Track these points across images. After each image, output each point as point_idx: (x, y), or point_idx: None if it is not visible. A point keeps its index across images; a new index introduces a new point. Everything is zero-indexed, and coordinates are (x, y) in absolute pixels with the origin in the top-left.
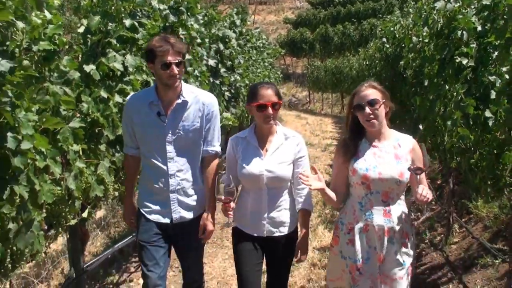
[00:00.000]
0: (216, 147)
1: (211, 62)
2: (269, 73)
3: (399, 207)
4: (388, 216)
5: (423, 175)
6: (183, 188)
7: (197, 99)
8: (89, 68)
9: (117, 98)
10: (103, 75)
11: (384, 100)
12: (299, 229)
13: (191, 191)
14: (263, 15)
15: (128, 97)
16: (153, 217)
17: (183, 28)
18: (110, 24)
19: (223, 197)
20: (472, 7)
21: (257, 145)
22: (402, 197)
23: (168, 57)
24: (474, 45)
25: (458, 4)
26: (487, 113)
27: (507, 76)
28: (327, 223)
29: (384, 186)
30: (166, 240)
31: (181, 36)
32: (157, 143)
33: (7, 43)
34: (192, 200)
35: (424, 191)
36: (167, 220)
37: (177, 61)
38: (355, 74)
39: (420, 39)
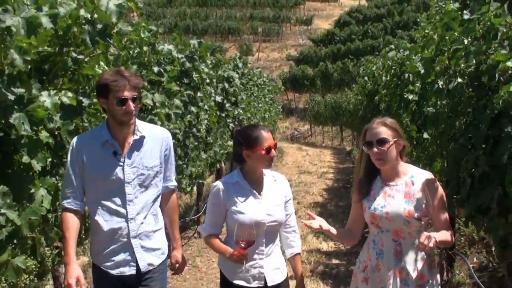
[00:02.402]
0: (174, 181)
1: (218, 99)
2: (270, 108)
3: (414, 247)
4: (399, 256)
5: (444, 217)
6: (145, 231)
7: (153, 135)
8: None
9: None
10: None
11: (395, 139)
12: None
13: (153, 234)
14: (267, 52)
15: (75, 138)
16: (116, 272)
17: (196, 72)
18: (143, 71)
19: (242, 242)
20: (419, 55)
21: (251, 189)
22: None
23: (124, 93)
24: (418, 84)
25: (407, 53)
26: (425, 135)
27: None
28: (315, 233)
29: (393, 226)
30: None
31: (194, 78)
32: (114, 185)
33: (86, 87)
34: (155, 243)
35: (427, 240)
36: (132, 271)
37: (133, 96)
38: (352, 108)
39: (388, 78)
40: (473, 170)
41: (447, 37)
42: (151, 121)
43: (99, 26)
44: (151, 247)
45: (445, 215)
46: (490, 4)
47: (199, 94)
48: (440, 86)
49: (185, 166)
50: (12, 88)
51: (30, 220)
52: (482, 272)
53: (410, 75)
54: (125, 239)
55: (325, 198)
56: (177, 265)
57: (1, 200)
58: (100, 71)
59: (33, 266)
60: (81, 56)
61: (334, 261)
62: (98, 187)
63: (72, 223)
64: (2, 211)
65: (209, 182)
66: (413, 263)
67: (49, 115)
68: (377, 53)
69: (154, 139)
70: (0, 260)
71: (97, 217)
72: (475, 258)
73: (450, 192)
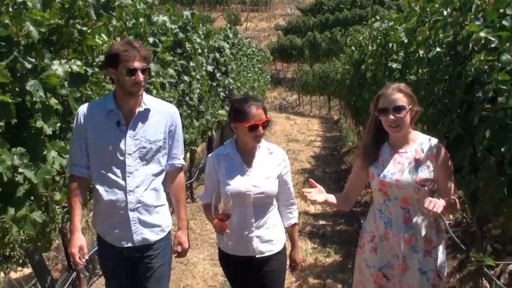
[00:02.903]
0: (181, 160)
1: (209, 68)
2: (259, 77)
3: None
4: (408, 223)
5: (450, 184)
6: (144, 205)
7: (159, 109)
8: None
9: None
10: None
11: (410, 106)
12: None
13: (153, 209)
14: (255, 22)
15: (81, 107)
16: (114, 242)
17: (188, 42)
18: (139, 41)
19: (219, 212)
20: (402, 26)
21: (241, 161)
22: None
23: (134, 63)
24: (402, 54)
25: (391, 23)
26: None
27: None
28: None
29: (402, 193)
30: (131, 268)
31: (187, 48)
32: (115, 155)
33: (89, 57)
34: (155, 219)
35: (431, 204)
36: (129, 244)
37: (143, 67)
38: (339, 78)
39: (374, 48)
40: (448, 133)
41: (427, 9)
42: (147, 90)
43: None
44: (150, 222)
45: (451, 182)
46: None
47: (191, 63)
48: (421, 55)
49: None
50: (28, 57)
51: (45, 179)
52: (457, 228)
53: (394, 44)
54: (123, 211)
55: (312, 165)
56: (180, 246)
57: (19, 160)
58: (101, 42)
59: (47, 220)
60: (84, 28)
61: (321, 222)
62: (100, 156)
63: (78, 189)
64: (20, 170)
65: (199, 151)
66: (422, 228)
67: (61, 82)
68: (365, 22)
69: (160, 113)
70: (19, 215)
71: (98, 187)
72: (451, 215)
73: None
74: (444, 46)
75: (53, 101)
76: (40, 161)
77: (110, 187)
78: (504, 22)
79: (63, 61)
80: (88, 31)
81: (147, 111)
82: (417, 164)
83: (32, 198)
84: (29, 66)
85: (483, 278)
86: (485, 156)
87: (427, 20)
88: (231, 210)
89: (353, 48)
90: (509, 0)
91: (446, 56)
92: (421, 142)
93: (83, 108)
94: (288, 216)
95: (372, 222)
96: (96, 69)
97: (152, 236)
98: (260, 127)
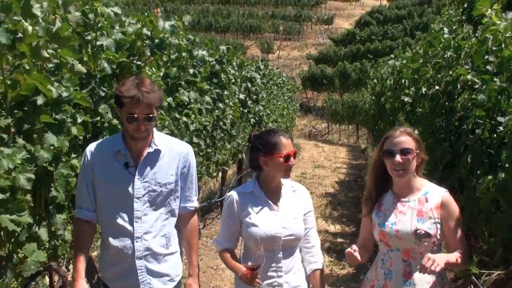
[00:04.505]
0: (195, 202)
1: (241, 96)
2: (288, 105)
3: None
4: (409, 278)
5: (458, 238)
6: (153, 253)
7: (171, 148)
8: (169, 99)
9: (184, 118)
10: (176, 104)
11: (418, 151)
12: None
13: (162, 257)
14: (287, 51)
15: (89, 146)
16: None
17: (223, 73)
18: (181, 72)
19: (249, 263)
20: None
21: (267, 199)
22: None
23: (135, 110)
24: (413, 89)
25: (404, 61)
26: (416, 131)
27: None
28: (324, 216)
29: (403, 244)
30: None
31: (222, 78)
32: (122, 199)
33: None
34: (165, 268)
35: (429, 262)
36: None
37: (145, 116)
38: (367, 108)
39: (391, 82)
40: (442, 159)
41: (429, 52)
42: (187, 115)
43: (156, 40)
44: (158, 271)
45: (459, 235)
46: (464, 26)
47: (225, 92)
48: (423, 92)
49: (212, 153)
50: (102, 87)
51: None
52: None
53: (406, 80)
54: (130, 259)
55: (336, 190)
56: None
57: None
58: (150, 73)
59: None
60: (139, 62)
61: (339, 240)
62: (107, 199)
63: (84, 235)
64: None
65: (230, 174)
66: (423, 285)
67: None
68: (392, 55)
69: (171, 153)
70: None
71: (105, 231)
72: None
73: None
74: (442, 85)
75: (115, 121)
76: None
77: (117, 233)
78: (488, 67)
79: None
80: (142, 65)
81: (157, 152)
82: (420, 215)
83: None
84: (102, 94)
85: (471, 286)
86: (468, 178)
87: (429, 62)
88: (263, 258)
89: (375, 80)
90: (487, 49)
91: (443, 94)
92: (426, 191)
93: (90, 147)
94: (309, 259)
95: (374, 271)
96: None
97: (160, 286)
98: (292, 158)
